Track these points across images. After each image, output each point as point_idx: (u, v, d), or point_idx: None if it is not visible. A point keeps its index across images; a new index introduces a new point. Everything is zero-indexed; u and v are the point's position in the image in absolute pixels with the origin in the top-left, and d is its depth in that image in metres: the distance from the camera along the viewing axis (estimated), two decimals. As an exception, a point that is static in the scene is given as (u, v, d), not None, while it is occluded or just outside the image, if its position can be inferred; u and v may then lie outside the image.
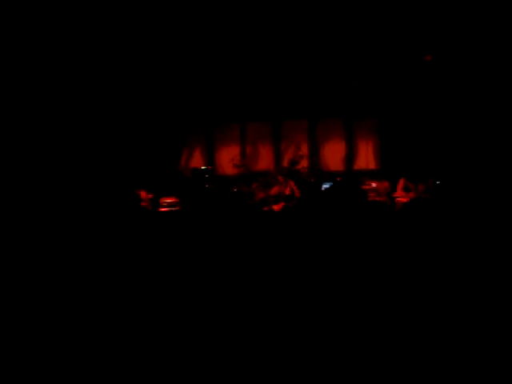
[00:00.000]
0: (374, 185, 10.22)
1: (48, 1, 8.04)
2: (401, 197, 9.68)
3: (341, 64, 10.84)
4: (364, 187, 9.99)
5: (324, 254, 3.72)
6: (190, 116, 12.13)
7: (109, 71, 10.38)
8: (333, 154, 12.24)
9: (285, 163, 11.67)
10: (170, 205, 9.72)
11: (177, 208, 9.58)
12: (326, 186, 9.12)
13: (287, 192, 9.88)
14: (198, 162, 12.29)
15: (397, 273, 3.44)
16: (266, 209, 9.02)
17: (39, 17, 8.33)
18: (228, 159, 12.08)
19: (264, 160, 12.24)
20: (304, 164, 11.41)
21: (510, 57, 9.33)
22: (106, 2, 8.31)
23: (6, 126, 9.19)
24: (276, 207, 9.29)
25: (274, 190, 9.94)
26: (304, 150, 12.01)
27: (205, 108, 12.04)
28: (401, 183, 9.67)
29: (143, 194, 9.77)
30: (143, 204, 9.45)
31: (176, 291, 3.69)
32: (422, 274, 3.43)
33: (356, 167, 12.13)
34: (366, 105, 11.84)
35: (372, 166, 12.07)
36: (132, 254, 4.33)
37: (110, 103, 11.08)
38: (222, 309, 3.41)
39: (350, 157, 12.22)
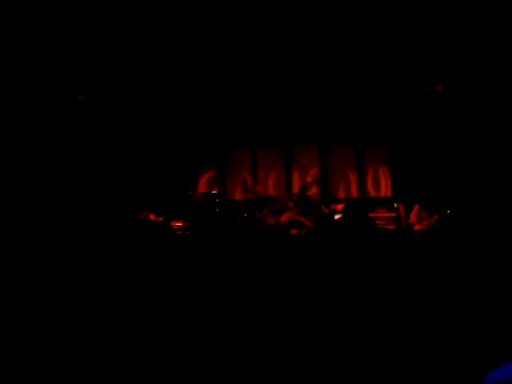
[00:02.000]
0: (385, 212, 10.34)
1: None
2: (413, 224, 9.57)
3: (353, 92, 10.96)
4: (374, 214, 10.12)
5: (332, 281, 3.78)
6: (201, 141, 12.23)
7: (123, 94, 10.53)
8: (344, 181, 12.33)
9: (295, 189, 11.74)
10: (179, 228, 9.57)
11: (186, 231, 9.35)
12: (338, 215, 9.17)
13: (297, 218, 9.76)
14: (208, 186, 12.31)
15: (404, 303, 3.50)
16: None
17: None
18: (238, 184, 12.24)
19: (274, 186, 12.34)
20: (315, 190, 11.38)
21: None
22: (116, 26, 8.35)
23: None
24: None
25: (285, 217, 9.85)
26: (315, 176, 12.09)
27: (216, 133, 12.13)
28: (415, 210, 9.54)
29: (152, 216, 9.71)
30: None
31: (181, 313, 3.72)
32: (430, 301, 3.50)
33: (367, 194, 12.19)
34: (377, 132, 11.95)
35: (383, 193, 12.14)
36: (140, 276, 4.34)
37: (124, 127, 11.23)
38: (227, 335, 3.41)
39: (362, 184, 12.28)
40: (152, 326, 3.55)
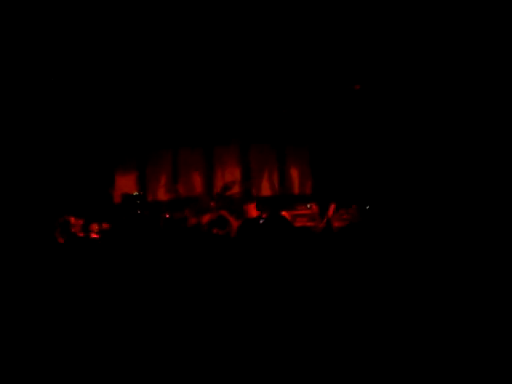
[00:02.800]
0: (306, 210, 10.49)
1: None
2: (332, 220, 9.83)
3: (271, 91, 11.14)
4: (295, 212, 10.46)
5: (258, 280, 3.79)
6: (121, 140, 12.08)
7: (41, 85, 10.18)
8: (265, 180, 12.49)
9: (217, 189, 11.75)
10: (101, 231, 9.56)
11: (107, 234, 9.34)
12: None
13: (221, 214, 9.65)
14: (129, 186, 12.17)
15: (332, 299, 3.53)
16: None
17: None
18: (160, 185, 12.22)
19: (196, 186, 12.34)
20: (236, 190, 11.61)
21: (430, 81, 9.81)
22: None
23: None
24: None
25: (206, 218, 9.76)
26: (236, 175, 12.25)
27: (137, 133, 12.02)
28: (331, 208, 9.73)
29: (73, 219, 9.49)
30: (73, 230, 9.21)
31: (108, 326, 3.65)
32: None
33: (289, 192, 12.39)
34: (297, 132, 12.17)
35: (303, 191, 12.37)
36: (63, 286, 4.25)
37: (39, 118, 10.88)
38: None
39: (283, 182, 12.49)
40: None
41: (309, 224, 10.14)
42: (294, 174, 12.55)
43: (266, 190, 12.47)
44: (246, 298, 3.56)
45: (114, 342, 3.42)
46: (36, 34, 8.35)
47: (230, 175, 12.17)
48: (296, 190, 12.46)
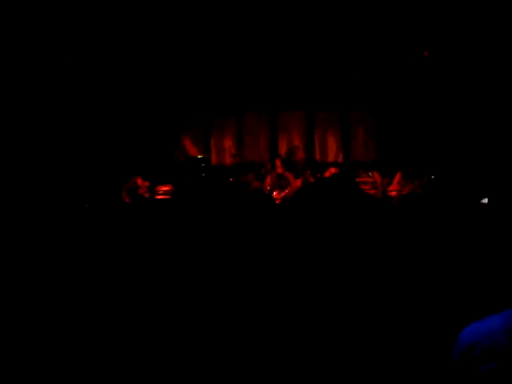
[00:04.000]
0: (369, 178, 10.22)
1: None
2: (395, 190, 9.70)
3: (340, 57, 11.11)
4: (359, 179, 10.05)
5: (318, 249, 3.59)
6: (186, 104, 12.26)
7: (103, 61, 10.63)
8: (329, 146, 12.53)
9: (281, 154, 11.74)
10: (166, 193, 9.74)
11: (172, 196, 9.57)
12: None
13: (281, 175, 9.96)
14: (194, 150, 12.43)
15: (391, 270, 3.38)
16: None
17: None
18: (224, 149, 12.41)
19: (260, 151, 12.47)
20: (300, 155, 11.48)
21: (508, 54, 9.53)
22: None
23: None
24: (276, 196, 9.32)
25: (268, 180, 9.96)
26: (300, 141, 12.33)
27: (202, 97, 12.14)
28: (397, 177, 9.63)
29: (139, 181, 9.60)
30: (140, 191, 9.38)
31: (173, 287, 3.63)
32: (415, 271, 3.35)
33: (353, 159, 12.38)
34: (362, 98, 12.08)
35: (368, 157, 12.33)
36: (130, 244, 4.27)
37: (105, 91, 11.25)
38: (220, 308, 3.36)
39: (347, 148, 12.49)
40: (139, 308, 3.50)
41: (371, 192, 10.02)
42: (359, 140, 12.55)
43: (329, 156, 12.54)
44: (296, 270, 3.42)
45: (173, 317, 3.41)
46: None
47: (294, 140, 12.28)
48: (360, 157, 12.45)
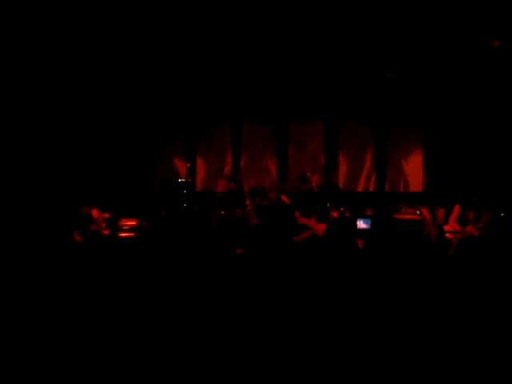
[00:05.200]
0: (415, 213, 9.99)
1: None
2: (453, 232, 8.96)
3: (375, 49, 10.61)
4: (400, 216, 9.97)
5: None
6: (164, 111, 11.95)
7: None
8: (358, 170, 12.09)
9: (292, 179, 11.42)
10: (132, 229, 9.49)
11: (142, 234, 9.24)
12: (363, 224, 8.86)
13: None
14: (173, 172, 12.01)
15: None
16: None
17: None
18: (215, 170, 11.74)
19: (263, 174, 11.98)
20: (318, 181, 10.87)
21: None
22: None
23: None
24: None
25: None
26: (319, 162, 11.72)
27: (186, 100, 11.86)
28: (455, 212, 9.16)
29: (95, 212, 9.31)
30: (93, 227, 9.03)
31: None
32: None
33: (391, 188, 11.95)
34: (406, 106, 11.64)
35: (412, 188, 11.90)
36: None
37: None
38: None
39: (382, 174, 11.99)
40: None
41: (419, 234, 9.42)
42: (399, 164, 11.96)
43: (356, 183, 12.03)
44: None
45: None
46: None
47: (310, 162, 11.49)
48: (400, 186, 11.94)
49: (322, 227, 8.82)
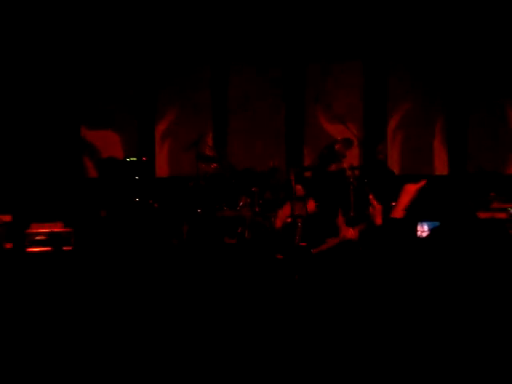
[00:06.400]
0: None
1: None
2: None
3: None
4: (490, 214, 9.35)
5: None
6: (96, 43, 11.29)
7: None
8: (417, 139, 11.11)
9: (310, 157, 11.02)
10: (49, 239, 8.99)
11: (66, 246, 8.97)
12: (426, 229, 8.39)
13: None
14: (117, 148, 11.12)
15: None
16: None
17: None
18: (186, 143, 10.07)
19: (263, 148, 11.13)
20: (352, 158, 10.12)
21: None
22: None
23: None
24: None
25: (284, 213, 8.85)
26: (353, 125, 10.29)
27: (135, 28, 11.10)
28: None
29: None
30: None
31: None
32: None
33: (471, 168, 11.29)
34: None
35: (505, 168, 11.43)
36: None
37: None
38: None
39: (457, 147, 11.23)
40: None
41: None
42: (485, 131, 11.02)
43: (416, 160, 11.12)
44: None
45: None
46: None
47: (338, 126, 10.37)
48: (488, 165, 11.05)
49: (352, 233, 8.20)
